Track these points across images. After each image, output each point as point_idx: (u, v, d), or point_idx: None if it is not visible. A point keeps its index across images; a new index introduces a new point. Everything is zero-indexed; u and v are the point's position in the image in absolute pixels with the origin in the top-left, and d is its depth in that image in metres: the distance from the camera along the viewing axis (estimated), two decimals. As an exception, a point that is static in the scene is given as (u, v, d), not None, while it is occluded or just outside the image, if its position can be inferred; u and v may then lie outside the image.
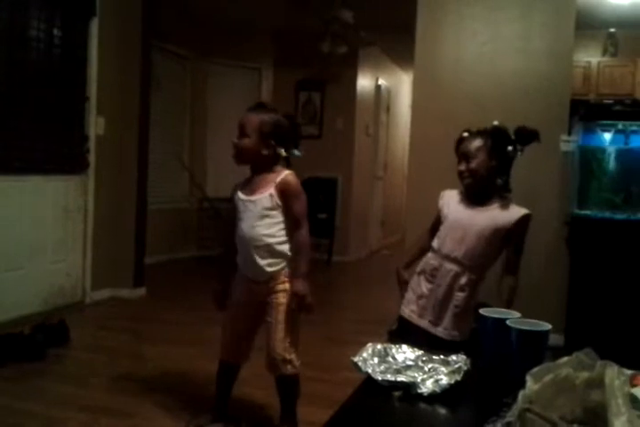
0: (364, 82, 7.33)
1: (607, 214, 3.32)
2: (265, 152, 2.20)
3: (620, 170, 3.43)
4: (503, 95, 3.69)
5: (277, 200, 2.18)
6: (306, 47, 6.49)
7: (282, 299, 2.23)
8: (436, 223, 2.40)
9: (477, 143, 2.22)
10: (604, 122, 3.41)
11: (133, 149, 4.63)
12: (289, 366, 2.23)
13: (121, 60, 4.55)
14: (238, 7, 5.82)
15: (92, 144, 4.39)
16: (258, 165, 2.25)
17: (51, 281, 4.11)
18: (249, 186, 2.26)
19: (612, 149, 3.41)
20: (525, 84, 3.66)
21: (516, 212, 2.21)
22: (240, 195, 2.26)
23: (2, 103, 3.71)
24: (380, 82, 7.90)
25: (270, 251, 2.21)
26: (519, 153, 2.24)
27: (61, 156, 4.20)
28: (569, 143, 3.62)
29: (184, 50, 6.43)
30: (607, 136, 3.40)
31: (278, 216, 2.20)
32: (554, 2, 3.70)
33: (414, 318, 2.32)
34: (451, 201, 2.34)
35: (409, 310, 2.34)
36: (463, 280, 2.21)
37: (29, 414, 2.52)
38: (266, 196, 2.19)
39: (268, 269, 2.21)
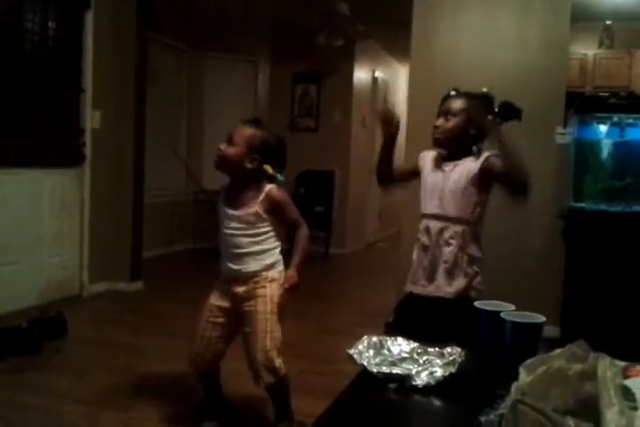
0: (361, 74, 7.31)
1: (602, 207, 3.33)
2: (249, 166, 2.17)
3: (616, 163, 3.43)
4: (499, 87, 3.61)
5: (263, 215, 2.18)
6: (302, 40, 6.47)
7: (261, 306, 2.18)
8: (407, 169, 2.44)
9: (461, 104, 2.21)
10: (600, 115, 3.40)
11: (129, 142, 4.62)
12: (272, 376, 2.16)
13: (116, 53, 4.53)
14: (235, 0, 5.79)
15: (87, 137, 4.38)
16: (241, 179, 2.22)
17: (48, 275, 4.11)
18: (233, 200, 2.23)
19: (607, 142, 3.41)
20: (521, 76, 3.66)
21: (483, 156, 2.18)
22: (224, 208, 2.23)
23: (-3, 96, 3.70)
24: (377, 74, 7.88)
25: (254, 258, 2.20)
26: (497, 126, 2.20)
27: (57, 149, 4.19)
28: (564, 136, 3.63)
29: (180, 43, 6.40)
30: (603, 129, 3.40)
31: (264, 227, 2.20)
32: (550, -6, 3.70)
33: (409, 287, 2.26)
34: (428, 164, 2.33)
35: (408, 283, 2.28)
36: (447, 234, 2.17)
37: (27, 406, 2.54)
38: (250, 212, 2.18)
39: (250, 269, 2.21)
